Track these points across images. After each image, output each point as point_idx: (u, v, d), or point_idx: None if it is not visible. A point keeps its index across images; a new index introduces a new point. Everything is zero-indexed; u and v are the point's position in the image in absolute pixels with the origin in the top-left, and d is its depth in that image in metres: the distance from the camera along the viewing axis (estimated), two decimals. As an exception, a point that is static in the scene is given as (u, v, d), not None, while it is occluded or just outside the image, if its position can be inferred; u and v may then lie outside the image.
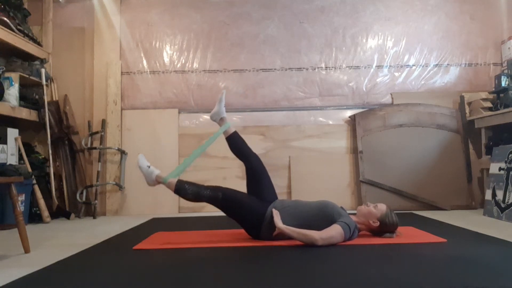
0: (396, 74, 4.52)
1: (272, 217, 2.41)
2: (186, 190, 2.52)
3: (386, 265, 1.90)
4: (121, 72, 4.47)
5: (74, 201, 4.12)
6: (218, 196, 2.50)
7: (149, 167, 2.58)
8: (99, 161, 4.25)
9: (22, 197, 3.51)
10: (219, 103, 2.71)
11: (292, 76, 4.52)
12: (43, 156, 4.11)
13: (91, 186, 4.18)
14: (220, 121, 2.74)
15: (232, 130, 2.71)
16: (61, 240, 2.83)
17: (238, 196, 2.55)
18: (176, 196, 4.22)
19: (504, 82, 3.95)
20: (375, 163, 4.24)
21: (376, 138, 4.31)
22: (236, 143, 2.70)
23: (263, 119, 4.48)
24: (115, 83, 4.42)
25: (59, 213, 3.99)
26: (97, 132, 4.33)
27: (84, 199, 4.14)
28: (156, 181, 2.57)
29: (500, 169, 3.50)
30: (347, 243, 2.33)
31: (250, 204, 2.52)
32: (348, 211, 2.54)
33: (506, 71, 4.10)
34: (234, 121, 4.31)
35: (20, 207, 2.55)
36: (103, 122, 4.35)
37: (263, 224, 2.46)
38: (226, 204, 2.52)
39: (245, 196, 2.58)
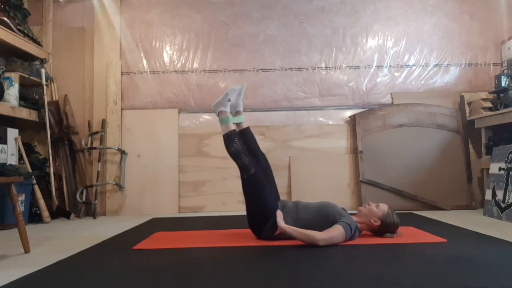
0: (396, 74, 4.52)
1: (275, 217, 2.41)
2: (233, 144, 2.54)
3: (386, 265, 1.90)
4: (121, 72, 4.47)
5: (74, 201, 4.12)
6: (250, 170, 2.51)
7: (229, 100, 2.62)
8: (99, 161, 4.26)
9: (22, 197, 3.51)
10: (238, 95, 2.70)
11: (292, 76, 4.52)
12: (43, 156, 4.11)
13: (91, 186, 4.18)
14: (236, 113, 2.72)
15: (245, 125, 2.71)
16: (61, 240, 2.82)
17: (264, 182, 2.54)
18: (176, 196, 4.31)
19: (504, 82, 3.95)
20: (375, 163, 4.24)
21: (376, 138, 4.31)
22: (246, 138, 2.68)
23: (263, 119, 4.48)
24: (115, 83, 4.42)
25: (59, 213, 3.99)
26: (97, 132, 4.33)
27: (84, 199, 4.14)
28: (218, 114, 2.63)
29: (500, 169, 3.50)
30: (348, 243, 2.33)
31: (269, 196, 2.52)
32: (349, 211, 2.54)
33: (506, 71, 4.10)
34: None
35: (20, 207, 2.55)
36: (103, 122, 4.35)
37: (269, 221, 2.44)
38: (250, 182, 2.51)
39: (268, 187, 2.56)
